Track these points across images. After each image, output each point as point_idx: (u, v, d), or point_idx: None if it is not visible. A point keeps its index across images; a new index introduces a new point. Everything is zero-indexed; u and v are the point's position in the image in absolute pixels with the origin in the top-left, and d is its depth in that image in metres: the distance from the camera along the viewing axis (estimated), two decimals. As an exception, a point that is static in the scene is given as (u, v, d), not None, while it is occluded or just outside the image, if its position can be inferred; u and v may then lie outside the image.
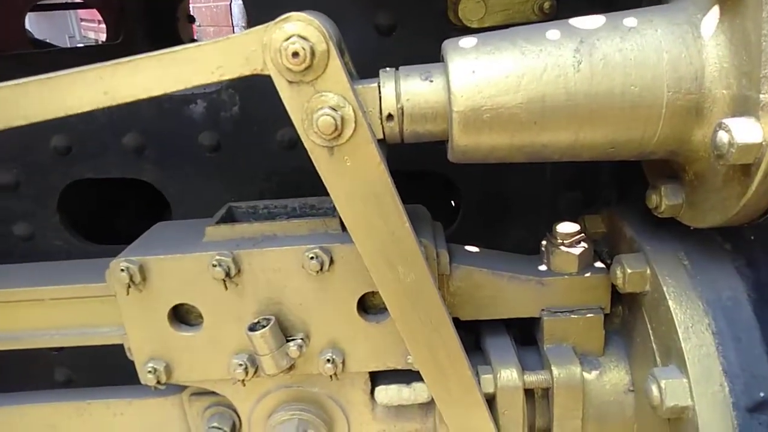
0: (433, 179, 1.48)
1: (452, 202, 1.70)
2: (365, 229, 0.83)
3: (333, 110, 0.76)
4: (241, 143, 1.39)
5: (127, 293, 0.94)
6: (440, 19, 1.24)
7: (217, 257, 0.92)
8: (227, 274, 0.92)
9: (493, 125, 0.76)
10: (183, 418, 1.10)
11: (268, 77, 0.80)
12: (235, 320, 0.96)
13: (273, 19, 0.77)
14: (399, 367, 0.98)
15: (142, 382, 0.99)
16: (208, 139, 1.38)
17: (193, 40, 2.84)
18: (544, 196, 1.32)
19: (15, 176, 1.42)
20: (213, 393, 1.05)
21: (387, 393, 1.00)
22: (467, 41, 0.80)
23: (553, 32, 0.80)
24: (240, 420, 1.06)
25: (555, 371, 0.94)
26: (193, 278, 0.94)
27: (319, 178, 0.86)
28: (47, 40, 3.75)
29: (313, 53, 0.74)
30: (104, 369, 1.43)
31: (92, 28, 7.55)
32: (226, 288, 0.94)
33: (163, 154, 1.39)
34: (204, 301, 0.96)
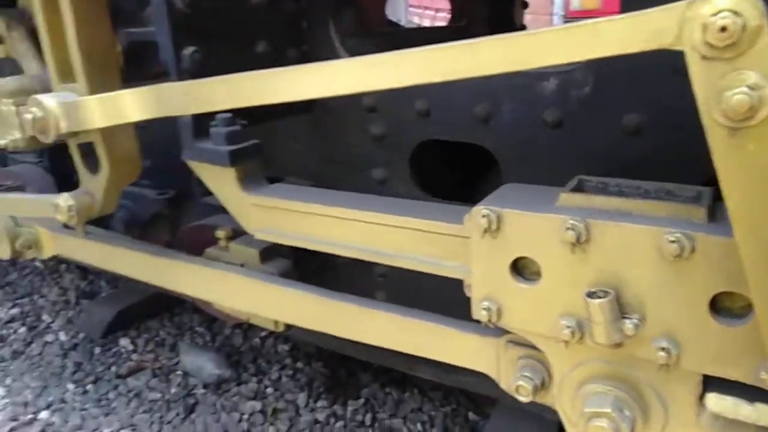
0: None
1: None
2: (756, 222, 0.77)
3: (750, 90, 0.73)
4: (584, 124, 1.41)
5: (482, 237, 1.07)
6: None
7: (571, 222, 0.97)
8: (577, 240, 0.97)
9: None
10: (494, 360, 1.21)
11: (647, 55, 0.80)
12: (571, 284, 1.01)
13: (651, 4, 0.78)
14: (745, 381, 0.90)
15: (475, 317, 1.13)
16: (552, 115, 1.44)
17: (523, 27, 2.96)
18: None
19: (384, 129, 1.73)
20: (530, 346, 1.14)
21: (721, 403, 0.93)
22: None
23: None
24: (550, 378, 1.12)
25: None
26: (542, 237, 1.02)
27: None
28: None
29: (743, 29, 0.71)
30: (414, 301, 1.67)
31: (417, 14, 8.46)
32: (572, 252, 0.99)
33: (507, 125, 1.51)
34: (547, 260, 1.03)
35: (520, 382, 1.12)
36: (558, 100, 1.42)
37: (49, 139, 1.41)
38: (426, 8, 8.04)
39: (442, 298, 1.39)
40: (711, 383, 0.96)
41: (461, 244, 1.15)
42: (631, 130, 1.34)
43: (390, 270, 1.95)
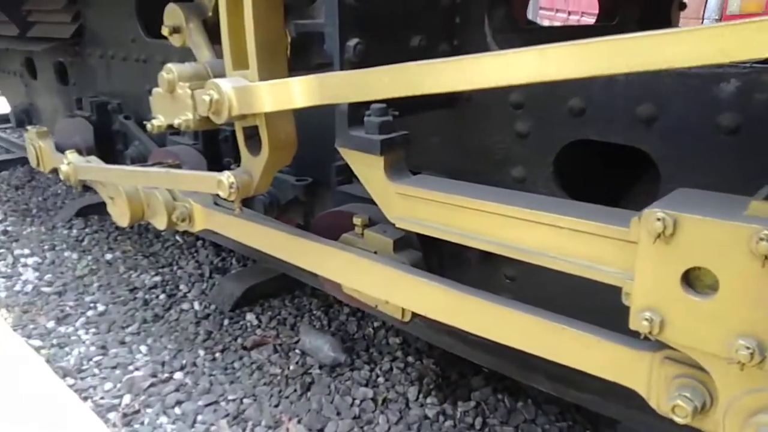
0: None
1: None
2: None
3: None
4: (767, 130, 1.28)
5: (652, 243, 1.01)
6: None
7: (765, 232, 0.88)
8: (770, 253, 0.88)
9: None
10: (645, 374, 1.13)
11: None
12: (754, 301, 0.92)
13: None
14: None
15: (633, 327, 1.06)
16: (728, 120, 1.32)
17: (678, 28, 2.75)
18: None
19: (529, 127, 1.69)
20: (691, 364, 1.05)
21: None
22: None
23: None
24: (712, 402, 1.03)
25: None
26: (724, 247, 0.93)
27: None
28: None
29: None
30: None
31: (547, 16, 8.19)
32: (762, 266, 0.90)
33: (673, 128, 1.41)
34: (728, 273, 0.94)
35: (678, 402, 1.03)
36: (737, 103, 1.30)
37: (221, 120, 1.55)
38: (558, 10, 7.77)
39: (573, 311, 1.33)
40: None
41: (623, 249, 1.08)
42: (827, 140, 1.20)
43: (520, 273, 1.91)
